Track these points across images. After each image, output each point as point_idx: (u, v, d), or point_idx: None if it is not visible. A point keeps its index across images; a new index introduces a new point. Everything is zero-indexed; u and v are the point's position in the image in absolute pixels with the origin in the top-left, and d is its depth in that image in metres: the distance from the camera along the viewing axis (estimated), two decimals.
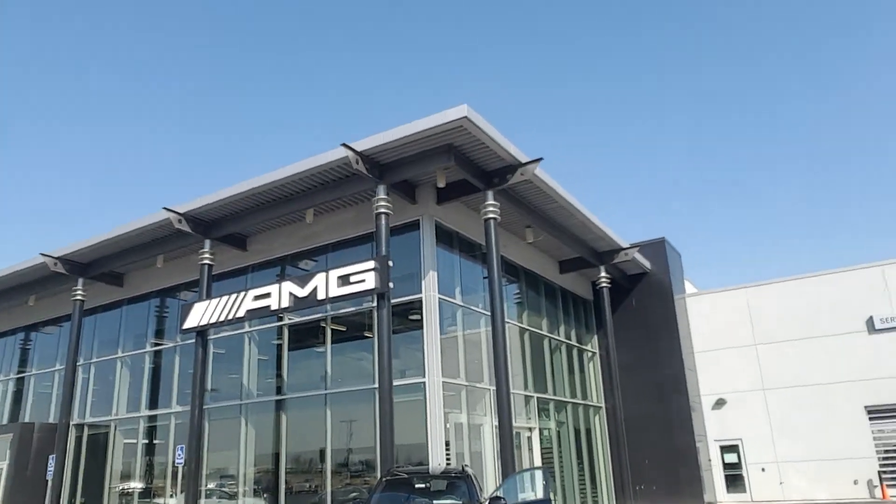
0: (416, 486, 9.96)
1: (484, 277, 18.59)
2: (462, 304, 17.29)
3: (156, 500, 20.23)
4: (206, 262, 18.10)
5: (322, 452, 16.72)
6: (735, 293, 25.42)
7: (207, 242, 18.21)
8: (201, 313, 17.11)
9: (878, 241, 63.52)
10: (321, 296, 14.99)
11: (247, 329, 19.04)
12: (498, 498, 9.54)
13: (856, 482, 22.15)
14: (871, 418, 22.53)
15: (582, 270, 23.85)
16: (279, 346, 18.62)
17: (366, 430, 16.22)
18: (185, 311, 17.58)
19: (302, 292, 15.33)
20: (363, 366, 17.00)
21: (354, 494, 16.30)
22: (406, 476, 10.33)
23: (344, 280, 14.76)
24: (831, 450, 22.52)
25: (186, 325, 17.39)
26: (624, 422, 21.77)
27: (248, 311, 16.30)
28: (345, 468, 16.72)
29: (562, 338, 22.59)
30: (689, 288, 27.17)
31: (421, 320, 15.88)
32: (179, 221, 17.64)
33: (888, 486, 21.71)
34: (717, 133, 75.01)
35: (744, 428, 24.03)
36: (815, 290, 23.99)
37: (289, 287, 15.57)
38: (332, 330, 17.61)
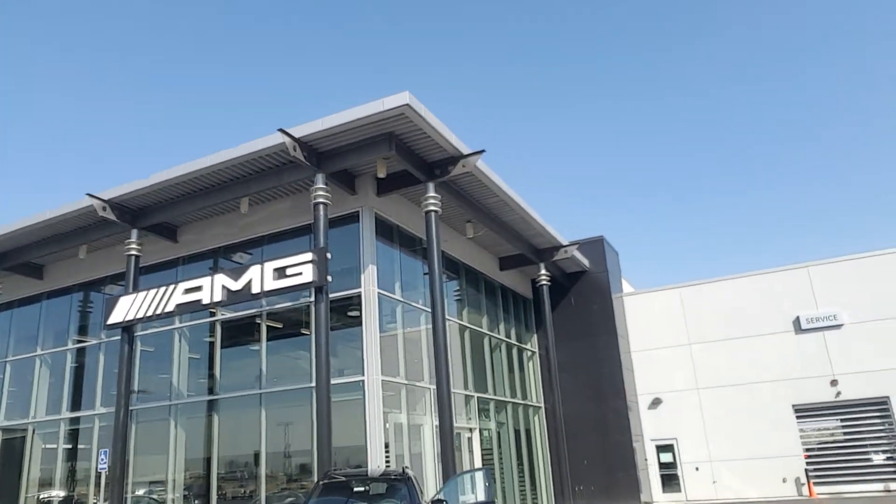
0: (355, 489, 9.47)
1: (425, 273, 18.21)
2: (402, 299, 16.88)
3: None
4: (133, 253, 17.14)
5: (256, 456, 16.01)
6: (670, 293, 25.79)
7: (134, 232, 17.25)
8: (127, 307, 16.16)
9: (808, 241, 65.87)
10: (256, 289, 14.33)
11: (177, 325, 18.13)
12: (440, 501, 9.16)
13: (784, 480, 22.70)
14: (798, 417, 23.15)
15: (522, 268, 23.81)
16: (211, 344, 17.78)
17: (302, 431, 15.63)
18: (110, 305, 16.59)
19: (236, 285, 14.62)
20: (300, 364, 16.37)
21: (291, 500, 15.67)
22: (344, 479, 9.84)
23: (280, 273, 14.14)
24: (761, 449, 23.03)
25: (111, 321, 16.40)
26: (563, 422, 21.70)
27: (178, 306, 15.47)
28: (281, 472, 16.07)
29: (502, 336, 22.43)
30: (625, 287, 27.45)
31: (360, 316, 15.39)
32: (104, 209, 16.65)
33: (815, 483, 22.32)
34: (658, 129, 76.35)
35: (679, 427, 24.36)
36: (745, 290, 24.56)
37: (222, 280, 14.83)
38: (268, 326, 16.92)
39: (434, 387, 16.87)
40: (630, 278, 29.01)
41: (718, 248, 70.35)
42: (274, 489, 15.82)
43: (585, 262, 24.29)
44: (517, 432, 22.10)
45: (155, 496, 17.56)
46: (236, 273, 14.80)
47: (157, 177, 16.10)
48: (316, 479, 14.66)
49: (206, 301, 15.02)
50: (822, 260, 24.03)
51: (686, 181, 74.49)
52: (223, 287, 14.77)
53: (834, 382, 22.66)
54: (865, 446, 22.48)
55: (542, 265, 22.47)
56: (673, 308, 25.46)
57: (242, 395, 16.63)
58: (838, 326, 23.03)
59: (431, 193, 15.50)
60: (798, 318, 23.59)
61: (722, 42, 71.18)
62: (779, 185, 70.07)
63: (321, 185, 14.57)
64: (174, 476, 17.07)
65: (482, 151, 15.40)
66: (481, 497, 9.48)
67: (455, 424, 17.00)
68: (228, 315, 17.53)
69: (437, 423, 16.67)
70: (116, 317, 16.31)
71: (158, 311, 15.69)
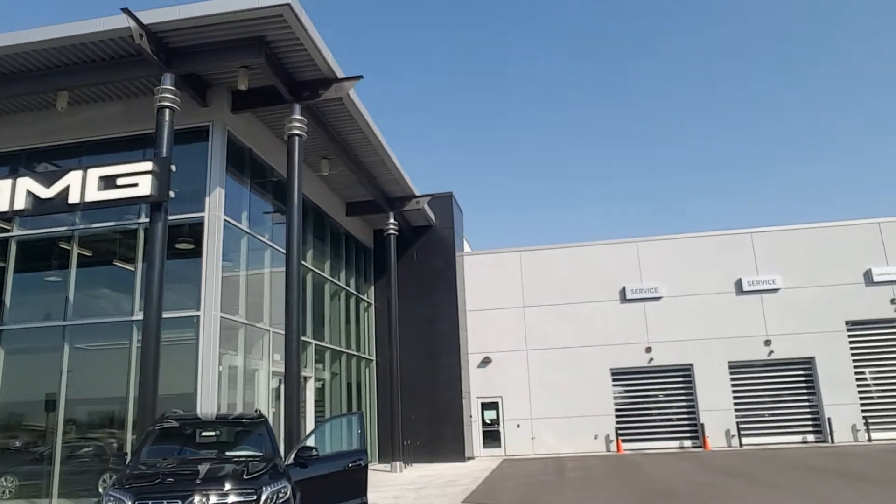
0: (202, 434, 7.93)
1: (274, 212, 16.57)
2: (250, 231, 15.07)
3: None
4: None
5: (53, 402, 13.45)
6: (510, 255, 26.14)
7: None
8: None
9: (644, 216, 69.68)
10: (74, 199, 11.79)
11: None
12: (308, 448, 7.96)
13: (596, 437, 24.11)
14: (613, 380, 24.63)
15: (367, 216, 22.68)
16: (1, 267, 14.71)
17: (116, 374, 13.41)
18: None
19: (47, 192, 11.95)
20: (116, 297, 14.05)
21: (87, 449, 13.49)
22: (186, 422, 8.23)
23: (108, 182, 11.77)
24: (579, 408, 24.22)
25: None
26: (395, 377, 21.08)
27: None
28: (85, 421, 13.74)
29: (342, 284, 21.23)
30: (465, 247, 27.39)
31: (198, 247, 13.43)
32: None
33: (623, 441, 23.93)
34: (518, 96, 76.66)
35: (505, 386, 24.89)
36: (580, 260, 25.54)
37: (28, 184, 12.05)
38: (79, 252, 14.26)
39: (273, 329, 15.48)
40: (469, 239, 29.02)
41: (559, 219, 72.48)
42: (73, 441, 13.48)
43: (433, 216, 23.71)
44: (349, 384, 21.16)
45: None
46: (48, 178, 12.12)
47: None
48: (134, 430, 12.73)
49: (3, 208, 12.10)
50: (648, 237, 25.58)
51: (529, 147, 75.86)
52: (29, 193, 12.01)
53: (649, 349, 24.34)
54: (668, 408, 24.49)
55: (391, 214, 21.49)
56: (511, 271, 25.82)
57: (39, 328, 13.97)
58: (657, 298, 24.73)
59: (297, 116, 13.85)
60: (624, 288, 24.97)
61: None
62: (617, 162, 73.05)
63: (169, 87, 12.29)
64: None
65: (359, 77, 13.98)
66: (354, 444, 8.45)
67: (279, 370, 15.73)
68: (28, 232, 14.58)
69: (274, 368, 15.38)
70: None
71: None
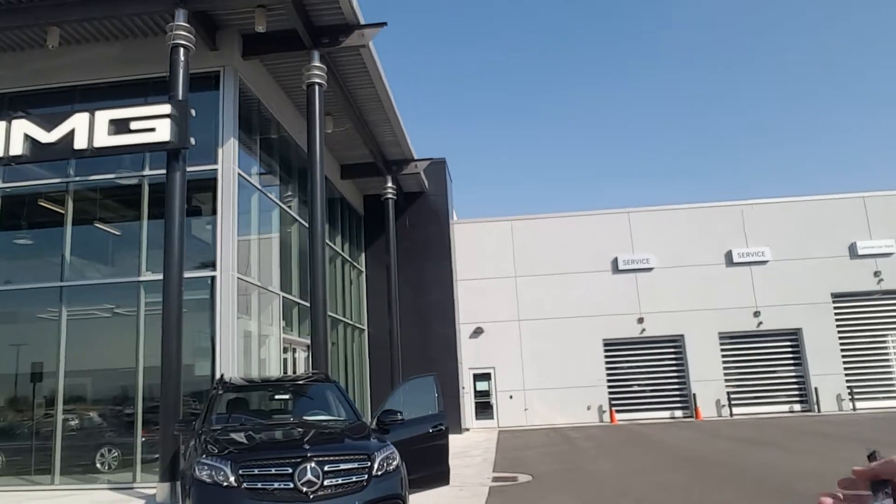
0: (275, 397, 7.11)
1: (281, 170, 15.54)
2: (261, 188, 14.06)
3: None
4: None
5: (52, 373, 12.29)
6: (502, 224, 25.56)
7: None
8: None
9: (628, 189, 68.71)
10: (81, 144, 10.67)
11: None
12: (392, 412, 7.24)
13: (589, 408, 23.94)
14: (605, 351, 24.46)
15: (360, 179, 21.69)
16: None
17: (121, 339, 12.36)
18: None
19: (48, 137, 10.79)
20: (120, 257, 12.94)
21: (90, 423, 12.50)
22: (254, 385, 7.39)
23: (120, 126, 10.68)
24: (572, 379, 23.97)
25: None
26: (395, 346, 20.37)
27: None
28: (89, 394, 12.69)
29: (338, 250, 20.31)
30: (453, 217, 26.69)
31: (212, 203, 12.41)
32: None
33: (616, 411, 23.84)
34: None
35: (497, 357, 24.43)
36: (572, 229, 25.13)
37: (26, 127, 10.86)
38: (75, 205, 13.01)
39: (282, 294, 14.60)
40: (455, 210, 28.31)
41: (550, 187, 70.74)
42: (74, 414, 12.40)
43: (426, 182, 22.89)
44: (345, 354, 20.34)
45: None
46: (49, 121, 10.93)
47: None
48: (146, 400, 11.78)
49: None
50: (640, 207, 25.37)
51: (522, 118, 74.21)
52: (27, 137, 10.83)
53: (640, 320, 24.22)
54: (660, 379, 24.49)
55: (388, 178, 20.61)
56: (503, 240, 25.26)
57: (32, 289, 12.73)
58: (649, 269, 24.58)
59: (317, 63, 12.87)
60: (616, 259, 24.73)
61: None
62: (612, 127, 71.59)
63: (183, 23, 11.21)
64: None
65: (383, 24, 13.07)
66: (435, 408, 7.78)
67: (287, 337, 15.00)
68: (12, 185, 13.23)
69: (284, 335, 14.55)
70: None
71: None
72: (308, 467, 5.30)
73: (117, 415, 12.58)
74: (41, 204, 13.41)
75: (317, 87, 12.80)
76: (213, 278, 11.95)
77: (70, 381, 12.36)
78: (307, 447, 5.46)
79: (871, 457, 0.88)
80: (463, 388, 23.78)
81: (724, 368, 24.15)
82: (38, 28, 12.28)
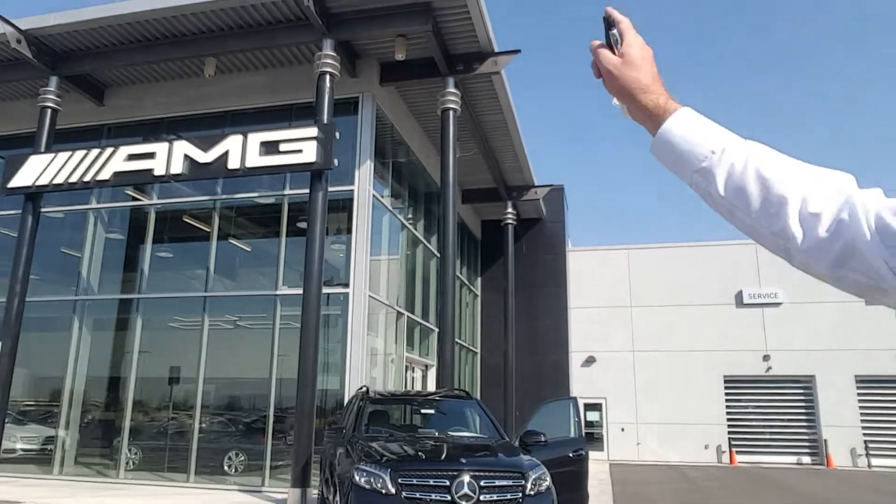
0: (420, 411, 7.27)
1: (409, 192, 15.99)
2: (391, 209, 14.52)
3: None
4: (51, 105, 13.45)
5: (192, 379, 13.08)
6: (618, 253, 25.08)
7: (54, 80, 13.52)
8: (39, 170, 12.61)
9: None
10: (234, 164, 11.41)
11: (93, 205, 14.61)
12: (535, 433, 7.22)
13: (706, 447, 22.85)
14: (726, 388, 23.32)
15: (479, 204, 21.96)
16: (138, 232, 14.52)
17: (256, 348, 13.02)
18: (14, 164, 12.89)
19: (205, 157, 11.61)
20: (259, 271, 13.67)
21: (223, 427, 13.15)
22: (397, 398, 7.58)
23: (270, 148, 11.35)
24: (688, 415, 23.00)
25: (13, 184, 12.75)
26: (514, 373, 20.27)
27: (117, 175, 12.18)
28: (225, 402, 13.41)
29: (457, 273, 20.53)
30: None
31: (347, 222, 12.94)
32: (18, 41, 12.80)
33: (736, 452, 22.62)
34: None
35: (609, 388, 23.83)
36: (693, 260, 24.27)
37: (185, 148, 11.74)
38: (221, 221, 13.89)
39: (407, 313, 14.93)
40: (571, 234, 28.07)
41: (664, 217, 68.98)
42: (210, 418, 13.11)
43: (544, 209, 22.85)
44: (459, 376, 20.45)
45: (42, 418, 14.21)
46: (207, 142, 11.77)
47: (100, 10, 12.56)
48: (276, 408, 12.30)
49: (159, 172, 11.85)
50: None
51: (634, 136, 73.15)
52: (186, 157, 11.70)
53: (766, 358, 22.96)
54: (786, 421, 23.05)
55: (508, 203, 20.73)
56: (618, 269, 24.75)
57: (176, 298, 13.67)
58: (777, 305, 23.31)
59: (452, 89, 13.18)
60: (741, 292, 23.64)
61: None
62: None
63: (330, 52, 11.84)
64: (72, 397, 13.69)
65: (517, 51, 13.27)
66: (572, 433, 7.71)
67: (410, 356, 15.25)
68: (165, 202, 14.32)
69: (408, 353, 14.84)
70: (21, 179, 12.70)
71: (87, 179, 12.29)
72: (465, 481, 5.36)
73: (246, 421, 13.20)
74: (185, 220, 14.43)
75: (451, 113, 13.11)
76: (345, 295, 12.39)
77: (207, 386, 13.12)
78: (463, 461, 5.54)
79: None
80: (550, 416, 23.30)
81: (862, 414, 22.39)
82: (198, 59, 13.31)
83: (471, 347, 22.06)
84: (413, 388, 15.57)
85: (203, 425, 12.98)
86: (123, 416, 13.18)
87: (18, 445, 13.86)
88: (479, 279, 23.36)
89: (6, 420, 12.30)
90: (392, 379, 14.32)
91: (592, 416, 23.94)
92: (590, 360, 24.16)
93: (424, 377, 16.91)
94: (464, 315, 21.56)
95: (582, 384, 23.89)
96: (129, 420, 13.14)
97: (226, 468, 13.02)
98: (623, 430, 23.52)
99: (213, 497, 11.26)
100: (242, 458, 13.07)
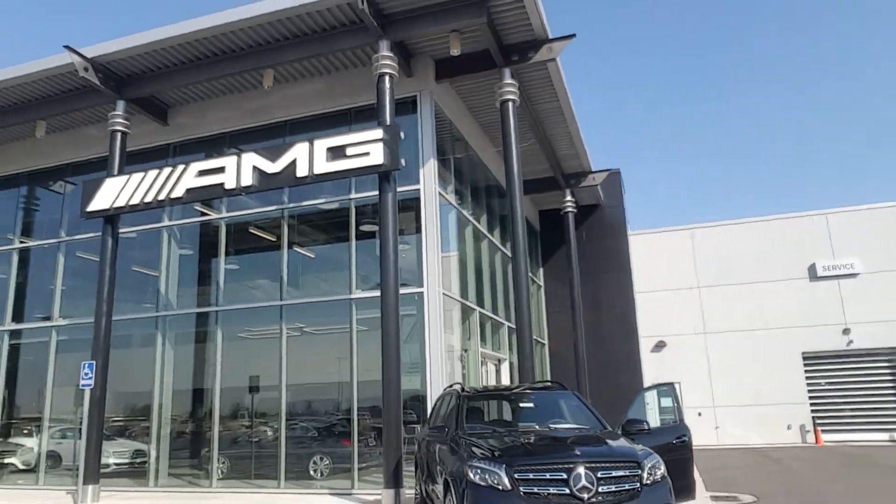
0: (519, 405, 7.20)
1: (471, 187, 15.91)
2: (457, 206, 14.48)
3: (15, 441, 15.86)
4: (120, 128, 13.85)
5: (275, 386, 13.27)
6: (681, 233, 24.56)
7: (121, 104, 13.91)
8: (115, 193, 12.99)
9: (826, 188, 62.74)
10: (302, 172, 11.53)
11: (165, 223, 14.98)
12: (637, 421, 7.08)
13: (789, 427, 22.18)
14: (806, 365, 22.59)
15: (536, 194, 21.72)
16: (208, 246, 14.82)
17: (335, 353, 13.14)
18: (90, 189, 13.31)
19: (273, 167, 11.76)
20: (333, 277, 13.79)
21: (307, 433, 13.30)
22: (495, 392, 7.53)
23: (337, 153, 11.42)
24: (767, 395, 22.37)
25: (92, 207, 13.16)
26: (585, 362, 20.03)
27: (190, 191, 12.45)
28: (302, 403, 13.58)
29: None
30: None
31: (414, 222, 12.93)
32: (85, 69, 13.21)
33: (822, 431, 21.89)
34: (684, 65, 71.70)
35: (682, 372, 23.30)
36: (760, 235, 23.60)
37: (253, 160, 11.91)
38: (289, 231, 14.06)
39: (479, 309, 14.88)
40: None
41: (726, 191, 65.86)
42: (294, 424, 13.29)
43: (601, 194, 22.50)
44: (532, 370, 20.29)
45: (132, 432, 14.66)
46: (274, 153, 11.92)
47: (159, 33, 12.84)
48: (359, 411, 12.39)
49: (230, 186, 12.08)
50: (840, 208, 23.31)
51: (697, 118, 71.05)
52: (255, 169, 11.88)
53: (846, 331, 22.15)
54: (874, 396, 22.19)
55: (567, 192, 20.47)
56: (683, 249, 24.25)
57: (254, 308, 13.90)
58: (854, 275, 22.46)
59: (508, 80, 13.06)
60: (814, 265, 22.86)
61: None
62: (803, 130, 67.66)
63: (387, 53, 11.84)
64: (161, 411, 14.07)
65: (572, 36, 13.03)
66: (673, 418, 7.55)
67: (486, 352, 15.18)
68: (234, 214, 14.57)
69: (481, 349, 14.79)
70: (99, 203, 13.11)
71: (161, 198, 12.61)
72: (582, 473, 5.27)
73: (328, 425, 13.33)
74: (253, 231, 14.66)
75: (510, 105, 12.98)
76: (420, 294, 12.40)
77: (289, 393, 13.31)
78: (577, 452, 5.44)
79: None
80: (647, 404, 22.90)
81: None
82: (255, 71, 13.48)
83: (538, 339, 21.87)
84: (489, 382, 15.51)
85: (288, 431, 13.17)
86: (211, 426, 13.49)
87: (111, 461, 14.31)
88: (540, 270, 23.15)
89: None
90: (470, 375, 14.29)
91: (666, 401, 23.44)
92: (660, 346, 23.72)
93: (498, 371, 16.83)
94: (531, 307, 21.39)
95: (653, 370, 23.49)
96: (216, 430, 13.44)
97: (311, 472, 13.19)
98: (700, 414, 23.00)
99: (307, 500, 11.43)
100: (327, 461, 13.22)
